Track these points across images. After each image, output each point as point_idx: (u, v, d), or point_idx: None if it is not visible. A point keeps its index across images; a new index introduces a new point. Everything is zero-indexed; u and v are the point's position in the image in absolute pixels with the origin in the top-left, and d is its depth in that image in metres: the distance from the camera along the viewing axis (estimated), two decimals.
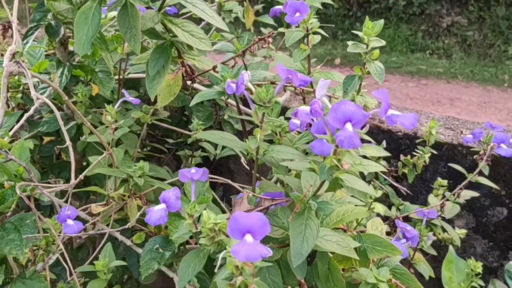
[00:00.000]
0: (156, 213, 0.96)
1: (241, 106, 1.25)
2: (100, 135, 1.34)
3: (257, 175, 1.09)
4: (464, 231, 1.68)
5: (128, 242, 1.32)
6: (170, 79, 1.26)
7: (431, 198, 1.67)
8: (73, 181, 1.09)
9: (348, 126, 0.79)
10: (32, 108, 1.06)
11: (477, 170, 1.48)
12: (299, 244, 0.90)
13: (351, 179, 0.93)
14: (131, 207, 1.32)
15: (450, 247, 1.53)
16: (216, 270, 0.80)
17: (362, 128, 0.90)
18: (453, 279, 1.46)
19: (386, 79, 5.69)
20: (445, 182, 1.64)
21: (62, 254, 1.19)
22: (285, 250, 1.05)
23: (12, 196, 1.01)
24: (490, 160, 1.47)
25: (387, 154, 1.28)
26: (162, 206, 0.97)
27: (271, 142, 1.15)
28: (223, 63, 1.25)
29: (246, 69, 1.27)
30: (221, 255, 0.79)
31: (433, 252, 1.58)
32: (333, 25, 7.21)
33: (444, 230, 1.64)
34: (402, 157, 1.69)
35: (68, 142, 1.09)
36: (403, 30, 6.90)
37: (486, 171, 1.52)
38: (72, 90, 1.53)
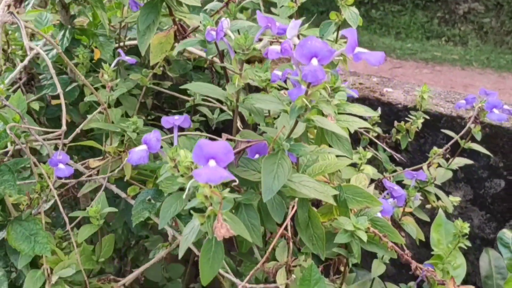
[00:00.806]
0: (137, 153, 0.99)
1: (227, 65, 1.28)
2: (98, 94, 1.39)
3: (238, 123, 1.12)
4: (458, 198, 1.69)
5: (123, 195, 1.37)
6: (161, 36, 1.30)
7: (425, 167, 1.69)
8: (63, 128, 1.13)
9: (314, 61, 0.82)
10: (27, 59, 1.11)
11: (465, 128, 1.48)
12: (270, 181, 0.92)
13: (322, 120, 0.94)
14: (126, 161, 1.37)
15: (440, 210, 1.55)
16: (184, 196, 0.84)
17: (330, 65, 0.93)
18: (441, 241, 1.48)
19: (401, 65, 5.67)
20: (440, 150, 1.66)
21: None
22: None
23: (5, 137, 1.06)
24: (479, 122, 1.47)
25: (374, 113, 1.30)
26: (143, 147, 1.00)
27: None
28: (211, 16, 1.28)
29: None
30: (189, 184, 0.83)
31: (423, 216, 1.60)
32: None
33: (438, 198, 1.65)
34: (396, 123, 1.71)
35: (60, 90, 1.14)
36: (418, 17, 6.83)
37: (479, 137, 1.52)
38: (74, 52, 1.59)
